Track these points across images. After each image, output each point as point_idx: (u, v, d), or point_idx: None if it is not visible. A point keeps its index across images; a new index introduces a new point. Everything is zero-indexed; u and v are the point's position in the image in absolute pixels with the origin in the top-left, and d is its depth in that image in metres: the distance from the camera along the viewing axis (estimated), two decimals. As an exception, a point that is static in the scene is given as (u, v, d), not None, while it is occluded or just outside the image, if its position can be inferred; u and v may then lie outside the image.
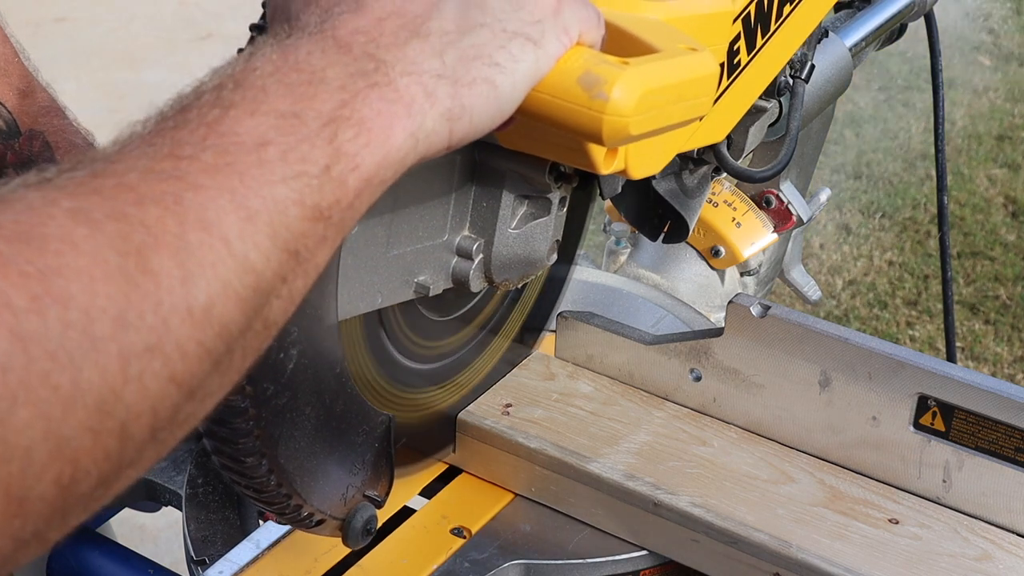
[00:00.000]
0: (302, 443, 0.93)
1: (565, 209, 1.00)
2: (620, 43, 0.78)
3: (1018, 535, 1.09)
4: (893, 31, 1.61)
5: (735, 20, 0.99)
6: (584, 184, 1.00)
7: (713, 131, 1.05)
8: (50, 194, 0.55)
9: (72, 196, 0.55)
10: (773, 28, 1.07)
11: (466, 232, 0.97)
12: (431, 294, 0.96)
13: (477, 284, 0.98)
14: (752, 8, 1.02)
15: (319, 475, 0.96)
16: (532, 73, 0.70)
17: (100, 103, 4.12)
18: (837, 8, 1.55)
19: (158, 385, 0.54)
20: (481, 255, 0.97)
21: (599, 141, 0.72)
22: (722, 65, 1.00)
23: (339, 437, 0.98)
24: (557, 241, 1.01)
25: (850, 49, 1.48)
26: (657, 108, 0.73)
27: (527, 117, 0.72)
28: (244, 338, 0.59)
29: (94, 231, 0.54)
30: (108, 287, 0.53)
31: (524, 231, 0.97)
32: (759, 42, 1.05)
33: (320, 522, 0.98)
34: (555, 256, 1.02)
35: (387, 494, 1.05)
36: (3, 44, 1.17)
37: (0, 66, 1.16)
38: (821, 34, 1.25)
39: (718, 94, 1.02)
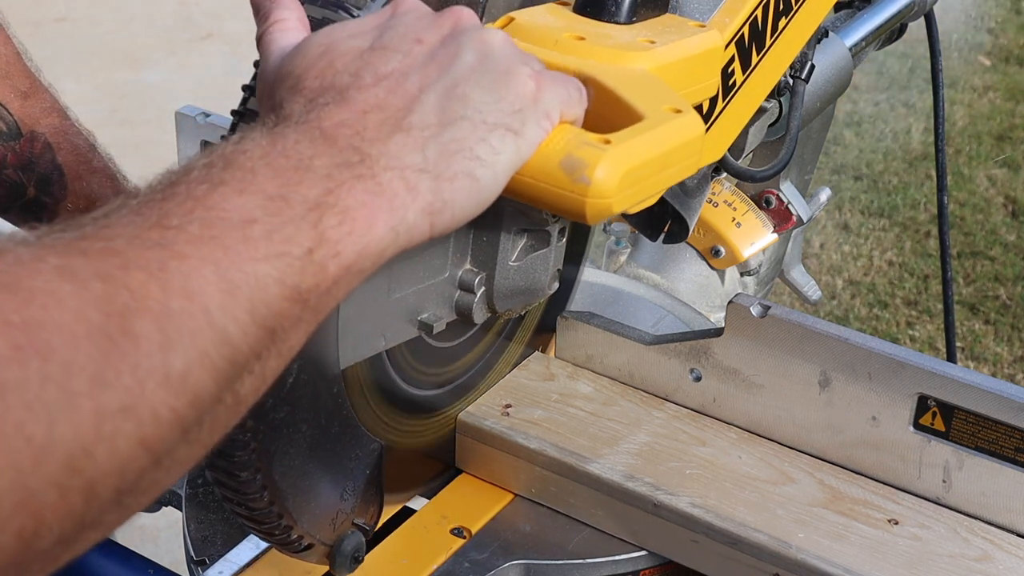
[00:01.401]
0: (297, 461, 0.93)
1: (564, 239, 1.00)
2: (606, 106, 0.78)
3: (1018, 535, 1.09)
4: (893, 31, 1.61)
5: (727, 46, 0.99)
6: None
7: (710, 152, 1.05)
8: (39, 251, 0.56)
9: (60, 254, 0.56)
10: (769, 43, 1.07)
11: (467, 266, 0.97)
12: (435, 332, 0.97)
13: (480, 316, 0.99)
14: (746, 29, 1.01)
15: (311, 496, 0.96)
16: (513, 163, 0.71)
17: (100, 103, 4.12)
18: (837, 8, 1.55)
19: (128, 447, 0.55)
20: (483, 288, 0.97)
21: (583, 221, 0.73)
22: (714, 97, 1.00)
23: (332, 459, 0.98)
24: (558, 270, 1.02)
25: (850, 49, 1.48)
26: (640, 182, 0.74)
27: (510, 196, 0.73)
28: (215, 410, 0.60)
29: (79, 289, 0.55)
30: (89, 345, 0.53)
31: (525, 263, 0.98)
32: (754, 59, 1.05)
33: (309, 546, 0.98)
34: (557, 284, 1.02)
35: (376, 523, 1.05)
36: (5, 45, 1.17)
37: (2, 67, 1.16)
38: (821, 34, 1.25)
39: (713, 117, 1.01)
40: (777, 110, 1.25)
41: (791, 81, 1.22)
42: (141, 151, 3.25)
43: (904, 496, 1.12)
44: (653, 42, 0.86)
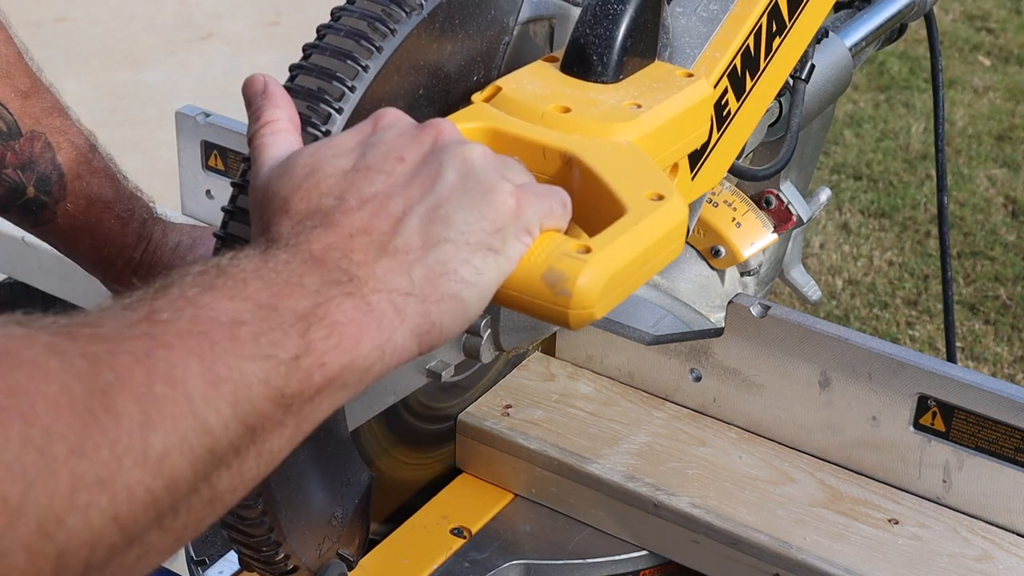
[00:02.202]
0: (292, 471, 0.93)
1: None
2: (590, 186, 0.79)
3: (1018, 535, 1.09)
4: (893, 31, 1.61)
5: (717, 83, 0.97)
6: None
7: (708, 180, 1.04)
8: (30, 330, 0.57)
9: (51, 335, 0.58)
10: (763, 66, 1.06)
11: None
12: (444, 379, 0.97)
13: (488, 356, 0.98)
14: (738, 60, 1.00)
15: (303, 512, 0.96)
16: (496, 280, 0.73)
17: (100, 103, 4.12)
18: (837, 8, 1.55)
19: (101, 521, 0.55)
20: (489, 330, 0.97)
21: (567, 328, 0.74)
22: (709, 128, 0.99)
23: (325, 480, 0.98)
24: None
25: (850, 49, 1.48)
26: (622, 285, 0.75)
27: (496, 303, 0.74)
28: (189, 500, 0.60)
29: (66, 365, 0.56)
30: (71, 416, 0.54)
31: None
32: (748, 85, 1.04)
33: (294, 569, 0.98)
34: None
35: (359, 556, 1.05)
36: (6, 45, 1.17)
37: (2, 67, 1.16)
38: (821, 34, 1.25)
39: (708, 150, 1.00)
40: (777, 110, 1.25)
41: (791, 81, 1.22)
42: (141, 151, 3.25)
43: (904, 496, 1.12)
44: (639, 105, 0.85)
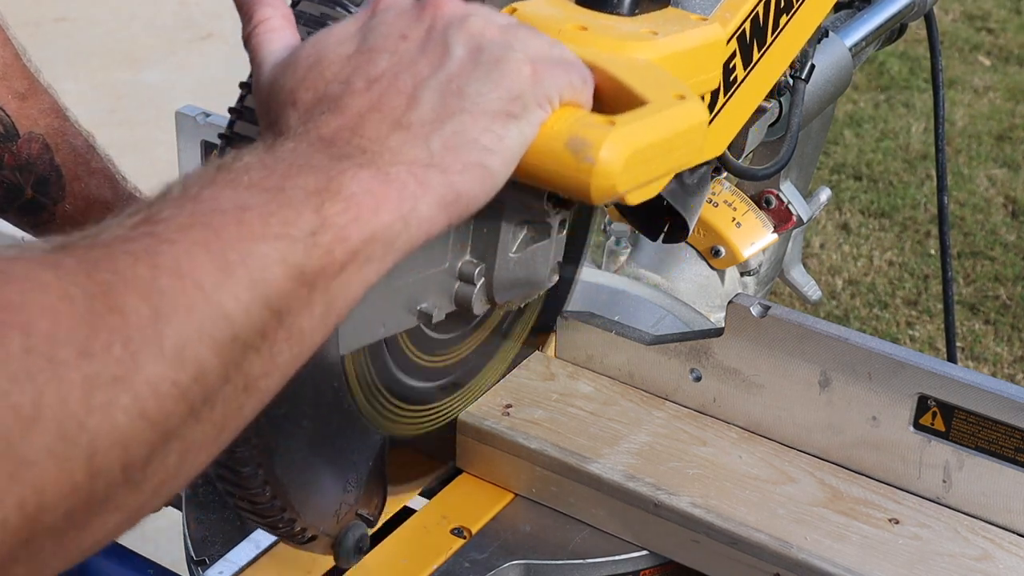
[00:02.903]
0: (298, 456, 0.93)
1: (565, 231, 1.00)
2: (610, 92, 0.78)
3: (1018, 535, 1.09)
4: (893, 31, 1.61)
5: (729, 40, 0.99)
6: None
7: (711, 147, 1.05)
8: (22, 252, 0.56)
9: (43, 251, 0.57)
10: (770, 40, 1.07)
11: (467, 257, 0.97)
12: (434, 321, 0.97)
13: (480, 307, 0.99)
14: (747, 25, 1.01)
15: (314, 490, 0.96)
16: (520, 146, 0.71)
17: (100, 103, 4.12)
18: (837, 8, 1.55)
19: (127, 420, 0.54)
20: (483, 279, 0.97)
21: (588, 200, 0.73)
22: (716, 91, 1.00)
23: (334, 453, 0.98)
24: (558, 263, 1.02)
25: (850, 49, 1.48)
26: (644, 164, 0.74)
27: (518, 177, 0.73)
28: (223, 390, 0.59)
29: (61, 274, 0.55)
30: (73, 320, 0.53)
31: (525, 255, 0.98)
32: (755, 56, 1.05)
33: (312, 538, 0.98)
34: (556, 277, 1.02)
35: (379, 513, 1.05)
36: (3, 46, 1.17)
37: (0, 69, 1.16)
38: (821, 34, 1.25)
39: (714, 112, 1.01)
40: (777, 110, 1.25)
41: (791, 81, 1.22)
42: (140, 151, 3.25)
43: (904, 495, 1.12)
44: (656, 33, 0.86)
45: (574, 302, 1.33)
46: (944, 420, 1.09)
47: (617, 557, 1.11)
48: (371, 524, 1.03)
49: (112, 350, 0.54)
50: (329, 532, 1.00)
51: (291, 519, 0.95)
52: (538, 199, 0.90)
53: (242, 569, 1.08)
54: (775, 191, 1.54)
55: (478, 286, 0.97)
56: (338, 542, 1.01)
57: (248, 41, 0.76)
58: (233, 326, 0.59)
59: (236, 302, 0.59)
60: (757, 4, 1.02)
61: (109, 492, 0.55)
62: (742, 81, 1.04)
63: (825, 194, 1.70)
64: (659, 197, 1.20)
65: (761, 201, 1.56)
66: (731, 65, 1.01)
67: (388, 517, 1.13)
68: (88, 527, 0.55)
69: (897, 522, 1.09)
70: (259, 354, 0.61)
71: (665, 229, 1.22)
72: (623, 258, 1.61)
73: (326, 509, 0.99)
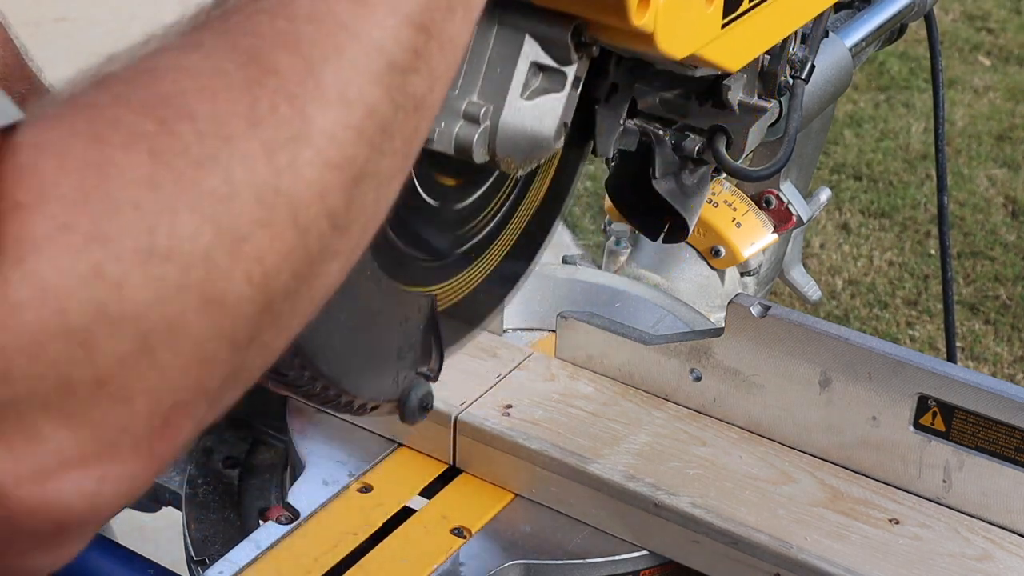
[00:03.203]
0: (342, 349, 0.93)
1: (578, 92, 0.99)
2: None
3: (1018, 535, 1.09)
4: (893, 31, 1.61)
5: None
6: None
7: (729, 56, 1.03)
8: (160, 43, 0.56)
9: (180, 36, 0.57)
10: None
11: (474, 98, 0.96)
12: (432, 147, 0.95)
13: (480, 154, 0.96)
14: None
15: (366, 371, 0.96)
16: None
17: (100, 103, 4.11)
18: (837, 8, 1.55)
19: (316, 172, 0.56)
20: (488, 122, 0.96)
21: (624, 22, 0.75)
22: None
23: (381, 332, 0.98)
24: (566, 124, 1.00)
25: (850, 49, 1.48)
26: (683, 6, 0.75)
27: None
28: (396, 118, 0.60)
29: (206, 54, 0.55)
30: (231, 94, 0.54)
31: (535, 103, 0.96)
32: None
33: (375, 408, 0.99)
34: (561, 142, 1.01)
35: (440, 368, 1.04)
36: (4, 46, 1.17)
37: (0, 70, 1.16)
38: (823, 35, 1.25)
39: (739, 11, 1.00)
40: (777, 110, 1.25)
41: (791, 81, 1.22)
42: (141, 151, 3.24)
43: (905, 495, 1.12)
44: None
45: (575, 302, 1.33)
46: (944, 420, 1.09)
47: (617, 557, 1.11)
48: (433, 379, 1.03)
49: (279, 111, 0.55)
50: (391, 398, 1.00)
51: (349, 401, 0.95)
52: (562, 32, 0.90)
53: (242, 569, 1.08)
54: (775, 191, 1.54)
55: (481, 127, 0.96)
56: (402, 403, 1.01)
57: None
58: (386, 54, 0.59)
59: (382, 30, 0.59)
60: None
61: (322, 243, 0.57)
62: None
63: (825, 194, 1.70)
64: (659, 197, 1.20)
65: (761, 201, 1.56)
66: None
67: (388, 517, 1.13)
68: (313, 280, 0.57)
69: (897, 522, 1.09)
70: (418, 73, 0.62)
71: (665, 229, 1.21)
72: (623, 258, 1.61)
73: (384, 381, 0.98)
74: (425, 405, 1.02)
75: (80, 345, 0.48)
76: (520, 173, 1.02)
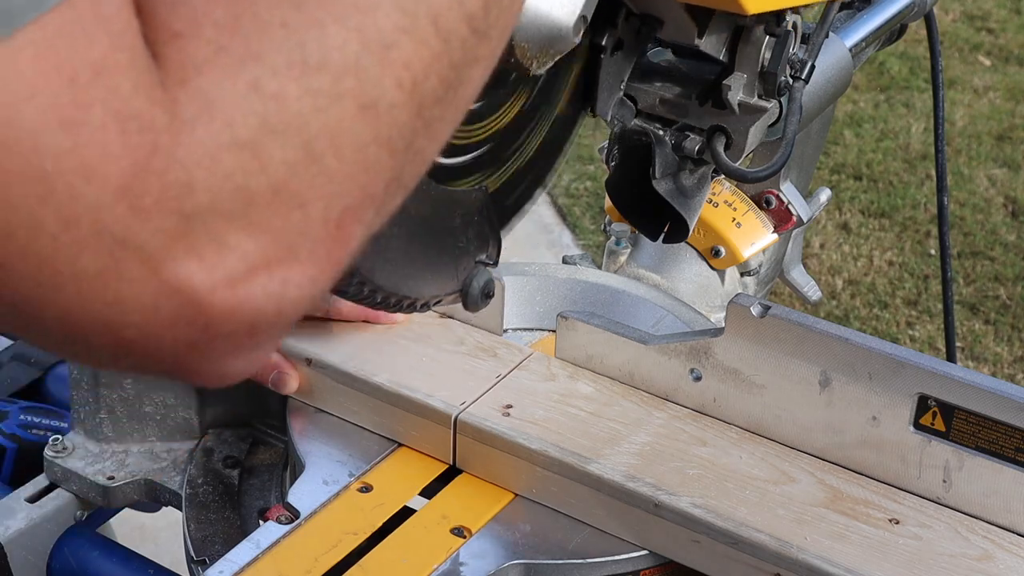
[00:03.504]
0: (401, 261, 0.94)
1: None
2: None
3: (1019, 535, 1.09)
4: (893, 31, 1.61)
5: None
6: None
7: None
8: None
9: None
10: None
11: None
12: None
13: None
14: None
15: (425, 274, 0.97)
16: None
17: (100, 103, 4.11)
18: (837, 8, 1.55)
19: (427, 54, 0.57)
20: None
21: None
22: None
23: (435, 236, 0.98)
24: (584, 19, 1.00)
25: (850, 50, 1.48)
26: None
27: None
28: None
29: None
30: None
31: None
32: None
33: (438, 302, 1.00)
34: (580, 37, 1.00)
35: (499, 253, 1.04)
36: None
37: None
38: (824, 35, 1.25)
39: None
40: (777, 110, 1.25)
41: (791, 81, 1.22)
42: (141, 151, 3.24)
43: (905, 495, 1.12)
44: None
45: (575, 302, 1.33)
46: (944, 420, 1.09)
47: (617, 557, 1.11)
48: (493, 265, 1.03)
49: None
50: (453, 290, 1.00)
51: (411, 303, 0.97)
52: None
53: (242, 569, 1.08)
54: (775, 191, 1.55)
55: None
56: (464, 293, 1.01)
57: None
58: None
59: None
60: None
61: (464, 48, 0.59)
62: None
63: (825, 194, 1.70)
64: (659, 197, 1.20)
65: (761, 201, 1.56)
66: None
67: (388, 517, 1.13)
68: (459, 86, 0.60)
69: (897, 522, 1.09)
70: None
71: (665, 229, 1.22)
72: (623, 258, 1.61)
73: (443, 279, 0.99)
74: (488, 292, 1.02)
75: (252, 156, 0.52)
76: (536, 68, 1.02)
